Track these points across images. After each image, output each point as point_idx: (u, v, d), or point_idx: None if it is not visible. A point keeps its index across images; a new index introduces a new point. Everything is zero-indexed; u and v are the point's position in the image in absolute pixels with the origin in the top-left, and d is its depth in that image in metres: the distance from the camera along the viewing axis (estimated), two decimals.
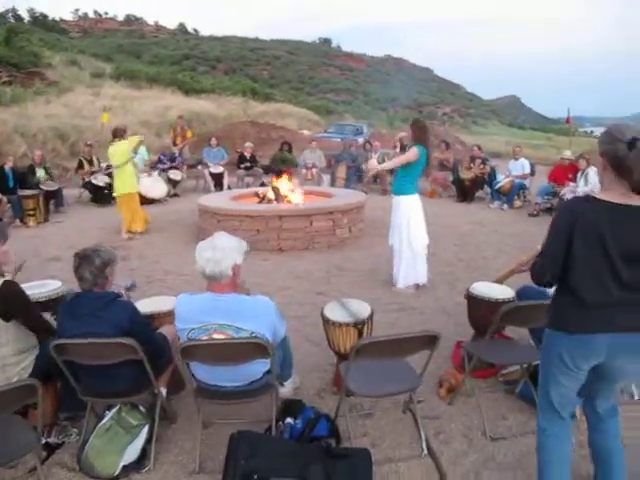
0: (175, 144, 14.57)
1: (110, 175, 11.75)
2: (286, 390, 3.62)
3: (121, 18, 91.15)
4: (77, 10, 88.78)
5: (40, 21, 65.28)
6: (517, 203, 10.74)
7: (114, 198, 11.43)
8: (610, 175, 2.19)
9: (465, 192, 11.48)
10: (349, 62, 76.00)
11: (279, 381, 3.62)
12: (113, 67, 30.70)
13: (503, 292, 3.89)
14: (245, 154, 13.14)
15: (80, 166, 11.69)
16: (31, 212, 9.62)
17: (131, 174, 8.62)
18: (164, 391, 3.37)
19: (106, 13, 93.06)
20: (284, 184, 8.70)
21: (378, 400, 3.54)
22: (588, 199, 2.22)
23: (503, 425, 3.33)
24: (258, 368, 2.96)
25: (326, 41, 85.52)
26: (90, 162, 11.71)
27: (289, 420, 3.18)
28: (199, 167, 13.28)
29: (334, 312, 3.63)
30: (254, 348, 2.78)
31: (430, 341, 2.83)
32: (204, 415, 3.21)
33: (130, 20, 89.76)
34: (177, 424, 3.41)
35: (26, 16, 65.13)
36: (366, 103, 59.50)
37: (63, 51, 40.59)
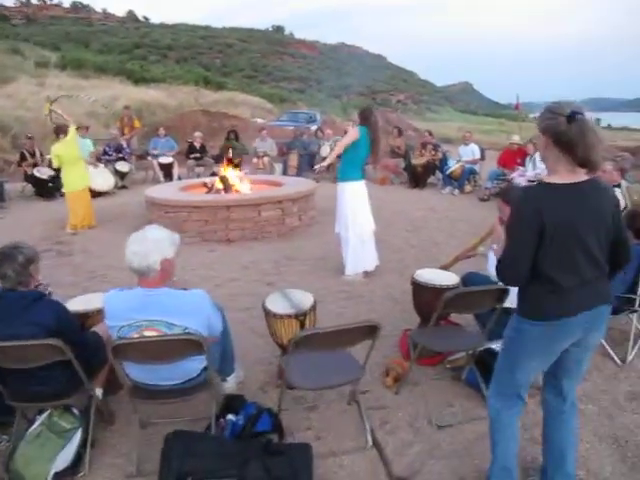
0: (123, 135, 14.18)
1: (55, 168, 11.40)
2: (229, 386, 3.52)
3: (67, 5, 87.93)
4: None
5: None
6: (468, 188, 10.85)
7: (60, 191, 11.18)
8: (554, 152, 2.13)
9: (417, 178, 11.53)
10: (302, 50, 75.48)
11: (222, 377, 3.53)
12: (59, 56, 29.60)
13: (448, 278, 3.88)
14: (195, 144, 12.87)
15: (22, 159, 11.22)
16: None
17: (83, 169, 8.60)
18: (100, 392, 3.23)
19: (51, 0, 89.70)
20: (232, 174, 8.53)
21: (323, 392, 3.47)
22: (543, 185, 2.15)
23: (450, 412, 3.31)
24: (194, 365, 2.85)
25: (279, 29, 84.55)
26: (32, 155, 11.25)
27: (230, 417, 3.08)
28: (149, 158, 12.93)
29: (276, 303, 3.54)
30: (187, 344, 2.66)
31: (371, 331, 2.77)
32: (143, 415, 3.09)
33: (77, 7, 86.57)
34: (115, 426, 3.27)
35: None
36: (319, 91, 59.24)
37: (4, 39, 39.10)
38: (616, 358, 3.89)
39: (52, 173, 11.06)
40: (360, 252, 5.86)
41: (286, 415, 3.18)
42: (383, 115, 18.96)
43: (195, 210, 7.35)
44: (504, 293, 3.13)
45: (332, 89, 61.12)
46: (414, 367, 3.49)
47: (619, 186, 5.40)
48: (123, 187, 11.99)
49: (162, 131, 13.03)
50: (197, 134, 13.14)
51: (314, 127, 17.15)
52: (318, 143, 13.23)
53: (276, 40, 76.90)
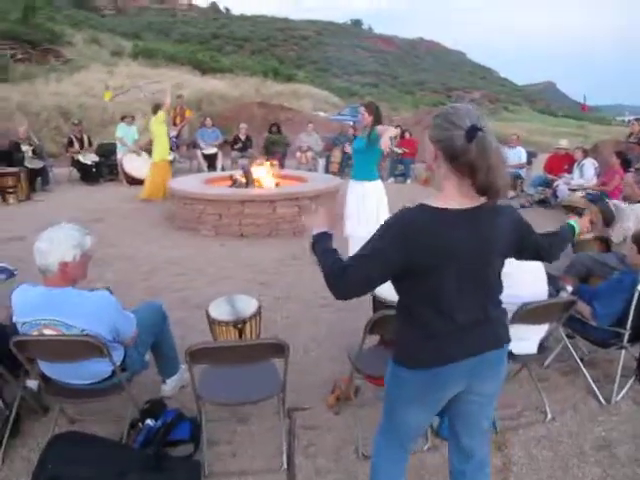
0: (175, 124, 14.45)
1: (100, 154, 11.78)
2: (168, 388, 3.41)
3: None
4: None
5: None
6: (511, 193, 10.28)
7: (104, 177, 11.55)
8: (444, 167, 1.79)
9: None
10: (378, 44, 74.75)
11: (162, 378, 3.44)
12: (133, 45, 30.64)
13: None
14: (240, 136, 12.90)
15: (70, 144, 11.62)
16: (10, 190, 9.55)
17: (164, 145, 9.77)
18: (34, 384, 3.20)
19: None
20: (259, 168, 8.45)
21: (262, 405, 3.29)
22: (425, 208, 1.79)
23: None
24: (102, 367, 2.75)
25: (357, 22, 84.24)
26: (80, 140, 11.62)
27: (148, 422, 2.98)
28: (193, 148, 13.11)
29: (218, 308, 3.39)
30: (86, 346, 2.56)
31: (278, 350, 2.57)
32: (70, 411, 3.06)
33: None
34: (48, 417, 3.24)
35: None
36: (392, 86, 58.50)
37: (92, 29, 40.84)
38: (600, 397, 3.48)
39: (96, 159, 11.45)
40: None
41: (213, 425, 3.04)
42: None
43: (210, 203, 7.32)
44: None
45: (405, 85, 60.30)
46: (370, 387, 3.26)
47: None
48: None
49: (209, 122, 13.15)
50: (242, 126, 13.17)
51: None
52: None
53: (353, 34, 76.62)
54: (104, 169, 11.74)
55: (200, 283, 5.58)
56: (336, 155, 12.58)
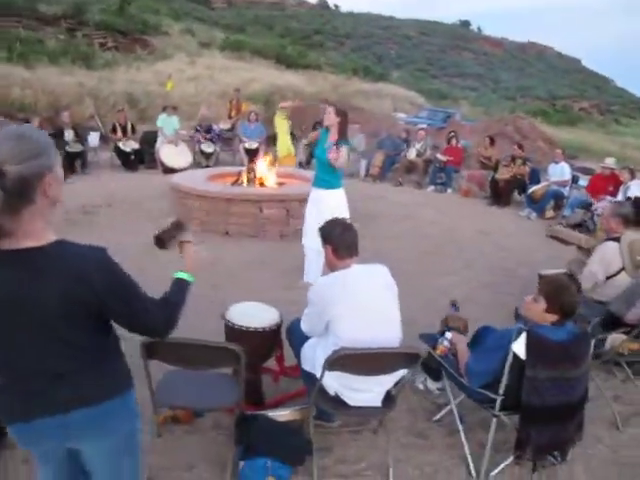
0: (230, 117, 14.55)
1: (144, 142, 12.02)
2: None
3: None
4: None
5: None
6: (549, 213, 9.34)
7: (144, 164, 11.78)
8: None
9: (498, 194, 10.22)
10: (485, 46, 71.86)
11: None
12: (223, 38, 31.36)
13: (264, 318, 3.18)
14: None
15: (113, 131, 11.93)
16: None
17: (282, 140, 11.93)
18: None
19: None
20: (263, 166, 8.18)
21: None
22: None
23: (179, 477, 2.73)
24: None
25: (464, 23, 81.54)
26: (124, 128, 11.89)
27: None
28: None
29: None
30: None
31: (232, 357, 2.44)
32: None
33: None
34: None
35: None
36: (493, 91, 56.18)
37: (195, 20, 42.40)
38: (472, 469, 2.91)
39: (136, 147, 11.67)
40: None
41: None
42: (513, 121, 17.21)
43: (199, 199, 7.17)
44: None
45: (508, 90, 57.76)
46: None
47: (618, 240, 4.12)
48: (207, 166, 12.24)
49: (253, 117, 13.02)
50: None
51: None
52: (401, 146, 12.36)
53: (459, 35, 74.28)
54: (146, 156, 11.95)
55: (147, 281, 5.40)
56: (379, 158, 12.05)
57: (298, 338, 3.00)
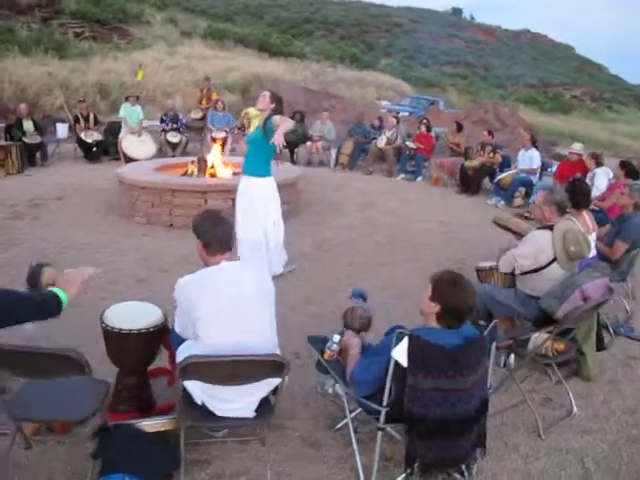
0: (200, 105, 14.23)
1: (109, 133, 11.70)
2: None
3: None
4: None
5: None
6: (517, 201, 9.07)
7: (107, 156, 11.46)
8: None
9: (468, 182, 9.95)
10: (477, 34, 70.96)
11: None
12: (204, 27, 30.84)
13: (143, 319, 2.90)
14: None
15: (76, 121, 11.60)
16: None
17: None
18: None
19: None
20: (216, 156, 7.88)
21: None
22: None
23: None
24: None
25: (456, 11, 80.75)
26: (86, 119, 11.56)
27: None
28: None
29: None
30: None
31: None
32: None
33: None
34: None
35: None
36: (483, 79, 55.65)
37: (181, 10, 41.70)
38: None
39: (98, 138, 11.36)
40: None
41: None
42: (493, 107, 16.90)
43: (143, 191, 6.90)
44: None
45: (498, 78, 57.29)
46: None
47: (551, 228, 3.84)
48: (173, 157, 11.92)
49: (220, 105, 12.72)
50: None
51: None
52: (371, 134, 12.05)
53: (450, 23, 73.52)
54: (111, 147, 11.64)
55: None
56: (347, 146, 11.73)
57: (175, 339, 2.73)
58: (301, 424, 3.08)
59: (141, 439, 2.55)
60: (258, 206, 5.06)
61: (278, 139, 4.70)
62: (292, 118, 12.76)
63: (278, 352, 2.65)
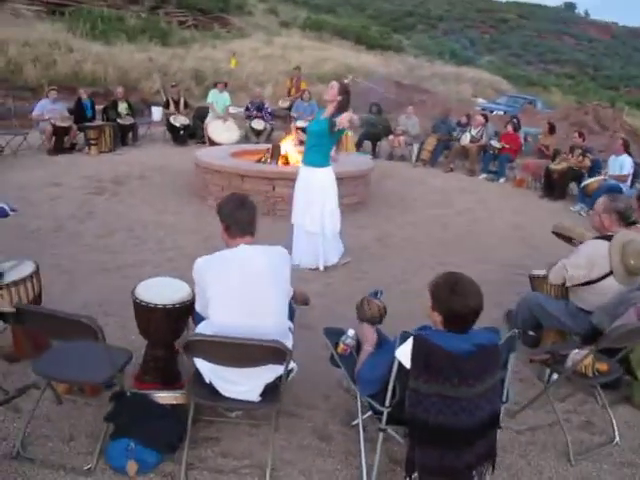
0: (289, 95, 14.44)
1: (197, 117, 12.12)
2: None
3: None
4: None
5: None
6: None
7: (194, 140, 11.89)
8: None
9: (552, 186, 9.45)
10: (590, 31, 67.10)
11: None
12: (304, 18, 31.22)
13: (173, 295, 2.99)
14: None
15: (166, 106, 12.11)
16: (93, 142, 10.21)
17: None
18: None
19: None
20: (290, 144, 7.98)
21: None
22: None
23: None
24: None
25: (569, 6, 76.65)
26: (177, 103, 12.05)
27: None
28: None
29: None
30: None
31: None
32: None
33: None
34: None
35: None
36: (593, 79, 52.59)
37: (287, 1, 42.44)
38: None
39: (186, 122, 11.78)
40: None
41: None
42: (594, 110, 15.91)
43: (215, 175, 7.11)
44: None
45: (610, 79, 53.88)
46: None
47: (609, 238, 3.57)
48: (257, 143, 12.19)
49: (307, 95, 12.84)
50: None
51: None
52: (456, 132, 11.69)
53: (562, 19, 69.99)
54: (198, 131, 12.06)
55: (144, 247, 5.69)
56: (430, 142, 11.49)
57: (197, 317, 2.80)
58: (317, 416, 3.06)
59: (153, 410, 2.64)
60: (315, 197, 5.11)
61: (344, 122, 4.76)
62: (369, 111, 12.80)
63: (290, 338, 2.65)
